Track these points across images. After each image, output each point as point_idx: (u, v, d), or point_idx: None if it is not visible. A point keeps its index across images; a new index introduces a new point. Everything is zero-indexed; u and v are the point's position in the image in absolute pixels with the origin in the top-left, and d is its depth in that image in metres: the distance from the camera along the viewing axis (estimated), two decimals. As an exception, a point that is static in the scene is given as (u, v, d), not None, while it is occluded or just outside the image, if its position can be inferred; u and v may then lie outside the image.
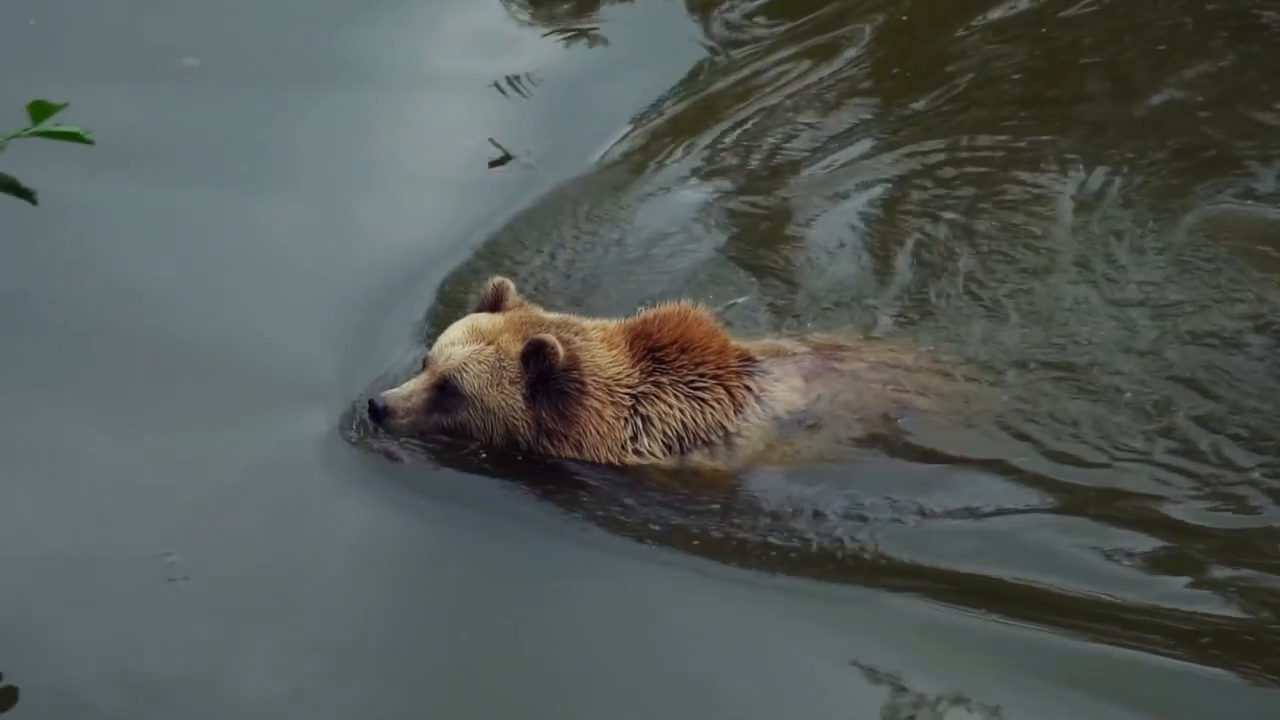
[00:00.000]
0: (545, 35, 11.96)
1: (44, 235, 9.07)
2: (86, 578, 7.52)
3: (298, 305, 9.21)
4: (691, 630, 7.54)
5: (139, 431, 8.35)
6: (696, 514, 8.10)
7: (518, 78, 11.37)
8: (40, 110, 5.92)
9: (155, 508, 7.93)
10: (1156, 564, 7.90)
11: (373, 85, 11.10)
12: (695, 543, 7.94)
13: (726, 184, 10.60)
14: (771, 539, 7.95)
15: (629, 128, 11.10)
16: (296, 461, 8.27)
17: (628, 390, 8.32)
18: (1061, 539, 8.00)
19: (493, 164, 10.63)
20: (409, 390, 8.26)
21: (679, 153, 10.89)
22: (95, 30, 11.24)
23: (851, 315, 9.32)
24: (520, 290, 8.79)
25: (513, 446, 8.28)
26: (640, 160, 10.79)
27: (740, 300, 9.44)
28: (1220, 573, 7.87)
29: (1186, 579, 7.82)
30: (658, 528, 8.01)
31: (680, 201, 10.38)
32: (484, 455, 8.33)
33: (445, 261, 9.66)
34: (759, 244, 10.00)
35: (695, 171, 10.73)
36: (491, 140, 10.72)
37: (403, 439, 8.28)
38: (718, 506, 8.15)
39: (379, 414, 8.21)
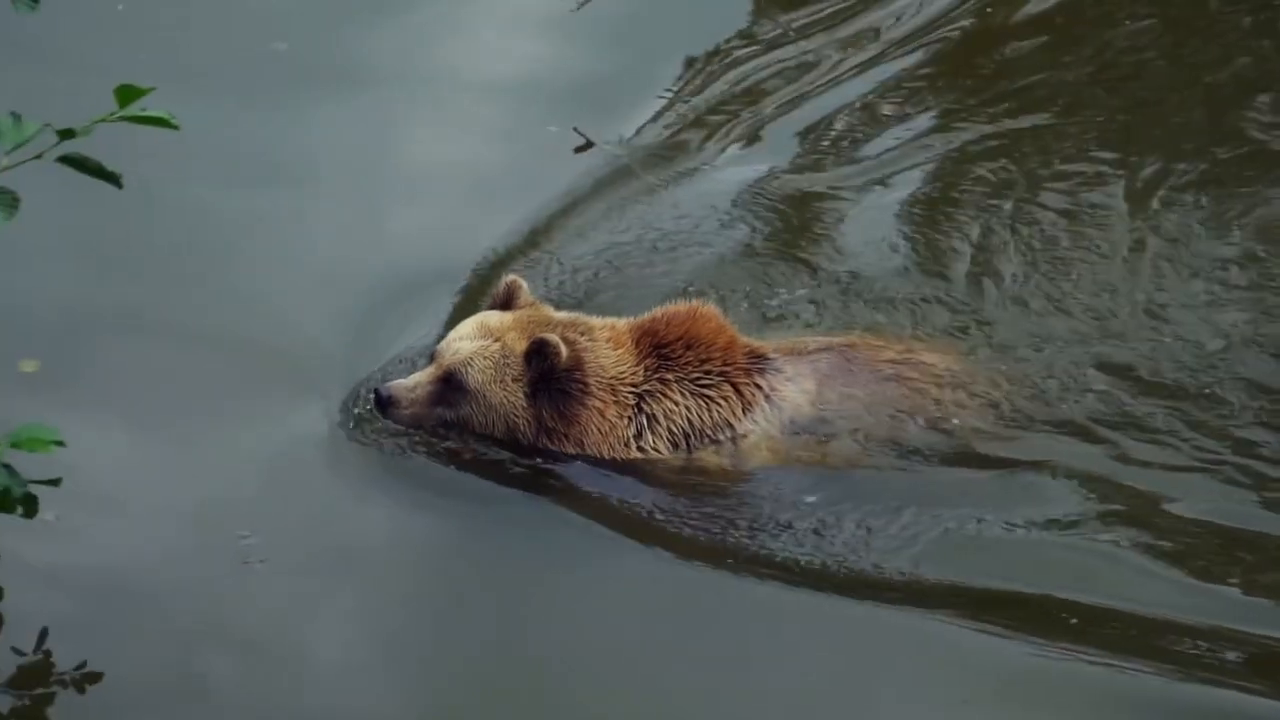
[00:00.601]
0: (575, 21, 12.10)
1: (60, 230, 9.30)
2: (166, 558, 7.89)
3: (330, 298, 9.47)
4: (700, 626, 7.77)
5: (186, 418, 8.69)
6: (706, 515, 8.27)
7: (549, 68, 11.58)
8: (127, 94, 6.13)
9: (222, 491, 8.28)
10: (1201, 574, 7.92)
11: (401, 84, 11.28)
12: (702, 541, 8.13)
13: (770, 167, 10.69)
14: (782, 544, 8.09)
15: (671, 110, 11.27)
16: (339, 448, 8.62)
17: (632, 389, 8.49)
18: (1102, 552, 8.03)
19: (577, 150, 10.82)
20: (414, 382, 8.52)
21: (723, 137, 11.01)
22: (185, 16, 11.48)
23: (893, 311, 9.36)
24: (547, 281, 9.14)
25: (514, 443, 8.50)
26: (684, 144, 10.95)
27: (800, 292, 9.54)
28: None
29: (1236, 589, 7.81)
30: (665, 525, 8.23)
31: (722, 187, 10.50)
32: (506, 452, 8.59)
33: (490, 250, 9.93)
34: (803, 232, 10.08)
35: (739, 155, 10.86)
36: (575, 129, 10.89)
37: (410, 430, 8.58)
38: (726, 507, 8.31)
39: (383, 404, 8.48)
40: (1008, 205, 10.17)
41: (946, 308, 9.37)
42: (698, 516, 8.27)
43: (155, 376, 8.88)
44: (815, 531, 8.16)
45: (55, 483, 6.34)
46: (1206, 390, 8.74)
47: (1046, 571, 7.89)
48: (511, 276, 8.80)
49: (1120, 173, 10.39)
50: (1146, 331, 9.14)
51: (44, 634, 7.26)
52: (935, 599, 7.77)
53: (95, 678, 7.12)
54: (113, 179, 6.23)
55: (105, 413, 8.49)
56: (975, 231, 9.96)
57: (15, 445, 6.09)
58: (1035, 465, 8.43)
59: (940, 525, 8.16)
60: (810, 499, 8.33)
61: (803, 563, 8.01)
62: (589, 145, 10.85)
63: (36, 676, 7.13)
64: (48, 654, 7.21)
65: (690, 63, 11.68)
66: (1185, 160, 10.42)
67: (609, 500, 8.37)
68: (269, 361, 9.02)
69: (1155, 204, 10.08)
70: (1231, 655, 7.50)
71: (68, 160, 6.21)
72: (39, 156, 6.18)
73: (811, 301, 9.47)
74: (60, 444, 6.09)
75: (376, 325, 9.28)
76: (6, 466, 6.13)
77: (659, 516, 8.28)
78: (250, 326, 9.24)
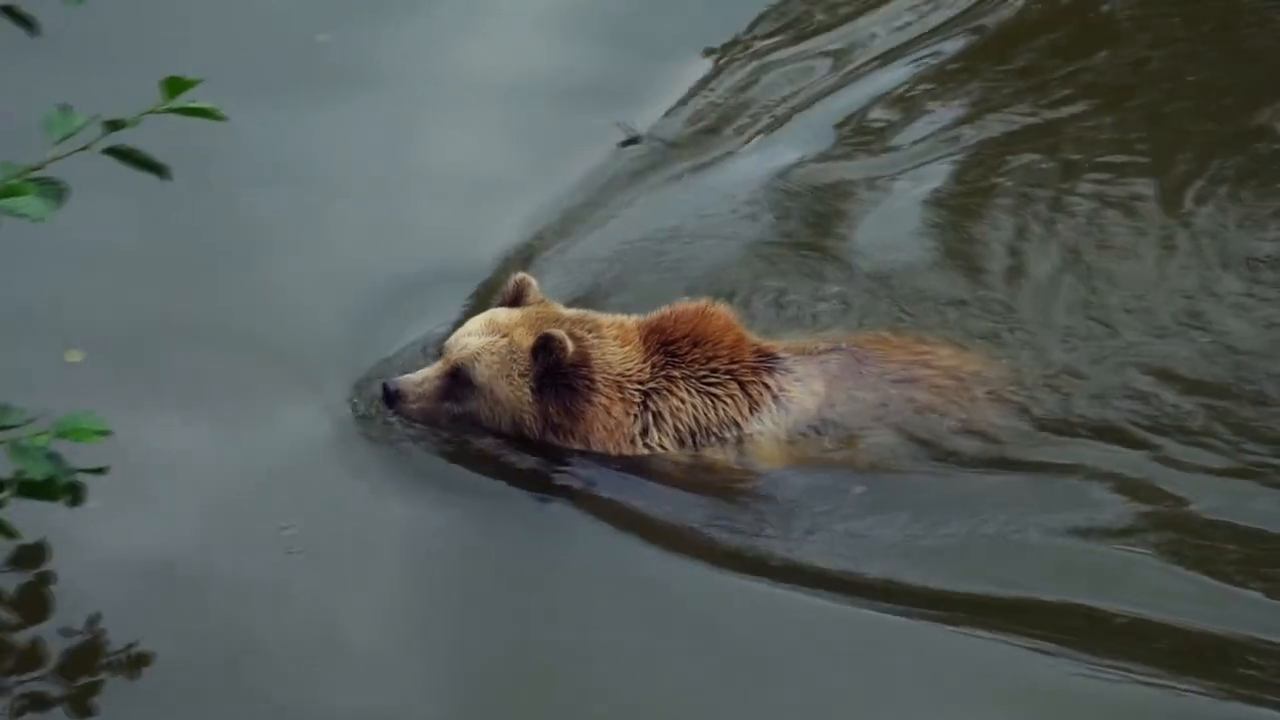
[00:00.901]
0: (599, 15, 12.09)
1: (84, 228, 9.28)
2: (210, 549, 8.02)
3: (353, 295, 9.58)
4: (712, 626, 7.84)
5: (219, 411, 8.82)
6: (714, 514, 8.34)
7: (573, 63, 11.63)
8: (174, 86, 6.21)
9: (260, 482, 8.41)
10: (1239, 582, 7.82)
11: (419, 82, 11.32)
12: (713, 541, 8.19)
13: (802, 158, 10.70)
14: (791, 545, 8.14)
15: (701, 102, 11.30)
16: (366, 444, 8.76)
17: (638, 386, 8.56)
18: (1134, 560, 7.94)
19: (622, 144, 10.91)
20: (422, 376, 8.63)
21: (756, 128, 11.06)
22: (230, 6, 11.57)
23: (923, 309, 9.33)
24: (580, 272, 9.34)
25: (521, 438, 8.59)
26: (716, 137, 11.02)
27: (834, 289, 9.54)
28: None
29: (1261, 592, 7.74)
30: (678, 524, 8.29)
31: (754, 180, 10.53)
32: (530, 449, 8.67)
33: (520, 244, 10.07)
34: (834, 227, 10.11)
35: (771, 147, 10.87)
36: (620, 123, 10.99)
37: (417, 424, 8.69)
38: (734, 507, 8.36)
39: (391, 398, 8.61)
40: (1041, 201, 10.16)
41: (977, 306, 9.36)
42: (706, 516, 8.35)
43: (188, 369, 8.99)
44: (821, 533, 8.22)
45: (101, 471, 6.42)
46: (1247, 388, 8.72)
47: (1072, 580, 7.87)
48: (521, 274, 8.91)
49: (1156, 167, 10.36)
50: (1182, 331, 9.12)
51: (94, 619, 7.39)
52: (953, 606, 7.80)
53: (146, 659, 7.25)
54: (159, 170, 6.31)
55: (141, 403, 8.57)
56: (1007, 227, 9.97)
57: (62, 435, 6.16)
58: (1059, 469, 8.43)
59: (956, 529, 8.17)
60: (818, 500, 8.38)
61: (811, 565, 8.06)
62: (634, 140, 10.96)
63: (87, 659, 7.27)
64: (99, 635, 7.34)
65: (720, 53, 11.76)
66: (1221, 156, 10.37)
67: (622, 498, 8.46)
68: (300, 356, 9.11)
69: (1191, 201, 10.03)
70: (1271, 669, 7.45)
71: (115, 152, 6.27)
72: (86, 148, 6.24)
73: (842, 301, 9.49)
74: (107, 434, 6.16)
75: (399, 322, 9.37)
76: (52, 456, 6.19)
77: (668, 515, 8.36)
78: (278, 323, 9.34)
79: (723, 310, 8.74)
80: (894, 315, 9.34)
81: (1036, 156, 10.55)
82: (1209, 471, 8.37)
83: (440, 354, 8.73)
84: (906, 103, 11.20)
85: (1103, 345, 9.05)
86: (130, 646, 7.30)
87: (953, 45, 11.68)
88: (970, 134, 10.85)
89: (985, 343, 9.07)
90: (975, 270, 9.68)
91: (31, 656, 7.28)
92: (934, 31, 11.78)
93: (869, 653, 7.66)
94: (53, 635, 7.35)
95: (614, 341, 8.63)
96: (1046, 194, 10.21)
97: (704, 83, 11.47)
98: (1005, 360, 8.93)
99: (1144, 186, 10.19)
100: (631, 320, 8.77)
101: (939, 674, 7.52)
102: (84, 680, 7.16)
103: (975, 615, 7.73)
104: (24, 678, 7.18)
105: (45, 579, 7.57)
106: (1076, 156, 10.52)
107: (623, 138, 10.97)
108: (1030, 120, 10.90)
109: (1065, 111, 10.93)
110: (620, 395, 8.57)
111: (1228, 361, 8.90)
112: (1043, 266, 9.65)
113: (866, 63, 11.60)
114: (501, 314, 8.71)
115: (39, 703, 7.09)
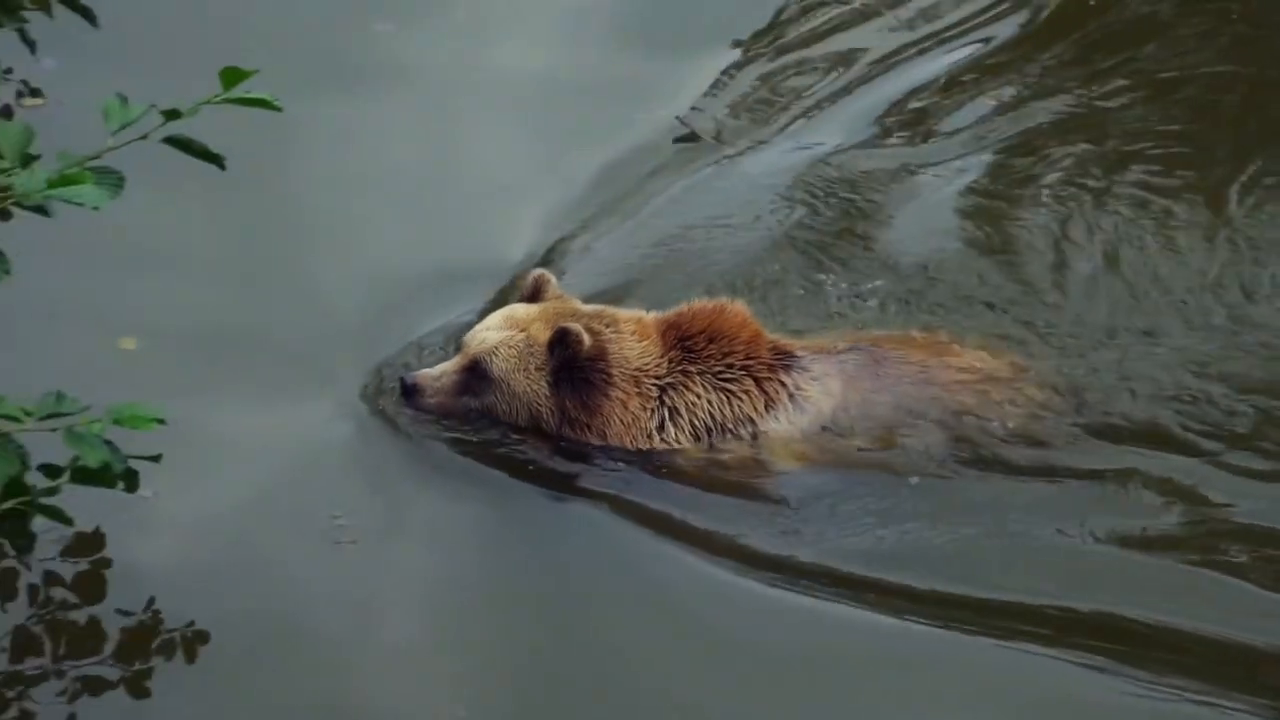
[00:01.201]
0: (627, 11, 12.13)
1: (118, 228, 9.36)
2: (266, 535, 8.14)
3: (387, 292, 9.65)
4: (728, 627, 7.86)
5: (250, 406, 8.88)
6: (730, 512, 8.36)
7: (610, 57, 11.64)
8: (231, 76, 6.26)
9: (307, 473, 8.52)
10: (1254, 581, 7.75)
11: (448, 80, 11.37)
12: (725, 536, 8.22)
13: (839, 148, 10.77)
14: (807, 546, 8.13)
15: (738, 87, 11.38)
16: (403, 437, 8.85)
17: (655, 381, 8.61)
18: (1159, 568, 7.87)
19: (677, 140, 10.98)
20: (440, 371, 8.71)
21: (799, 118, 11.12)
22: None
23: (955, 308, 9.33)
24: (599, 267, 9.51)
25: (538, 433, 8.65)
26: (754, 130, 11.06)
27: (876, 284, 9.57)
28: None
29: None
30: (693, 522, 8.31)
31: (792, 171, 10.56)
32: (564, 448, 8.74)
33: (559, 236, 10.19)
34: (871, 219, 10.11)
35: (812, 137, 10.93)
36: (678, 118, 11.06)
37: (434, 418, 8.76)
38: (750, 506, 8.39)
39: (408, 392, 8.68)
40: (1086, 194, 10.13)
41: (1016, 302, 9.36)
42: (723, 514, 8.37)
43: (219, 361, 9.05)
44: (835, 535, 8.23)
45: (156, 459, 6.47)
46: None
47: (1087, 585, 7.81)
48: (539, 270, 9.00)
49: (1201, 161, 10.32)
50: (1226, 330, 9.09)
51: (150, 601, 7.49)
52: (977, 614, 7.76)
53: (203, 637, 7.35)
54: (216, 160, 6.37)
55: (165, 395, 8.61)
56: (1049, 221, 9.95)
57: (118, 422, 6.21)
58: (1086, 473, 8.37)
59: (978, 534, 8.14)
60: (835, 501, 8.40)
61: (826, 566, 8.06)
62: (692, 137, 11.01)
63: (144, 639, 7.37)
64: (156, 614, 7.44)
65: (758, 46, 11.79)
66: (1267, 153, 10.32)
67: (639, 494, 8.49)
68: (334, 350, 9.19)
69: (1235, 197, 9.96)
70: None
71: (173, 141, 6.32)
72: (144, 137, 6.29)
73: (878, 296, 9.50)
74: (162, 422, 6.21)
75: (423, 318, 9.44)
76: (108, 443, 6.23)
77: (684, 512, 8.39)
78: (311, 318, 9.43)
79: (740, 307, 8.79)
80: (929, 311, 9.36)
81: (1079, 149, 10.54)
82: (1253, 475, 8.27)
83: (458, 349, 8.80)
84: (948, 93, 11.25)
85: (1143, 345, 9.02)
86: (189, 625, 7.39)
87: (996, 34, 11.72)
88: (1011, 125, 10.87)
89: (1023, 341, 9.06)
90: (1014, 266, 9.68)
91: (87, 640, 7.36)
92: (977, 21, 11.83)
93: (883, 657, 7.67)
94: (108, 617, 7.42)
95: (631, 336, 8.69)
96: (1089, 188, 10.20)
97: (742, 76, 11.50)
98: (1039, 360, 8.92)
99: (1189, 182, 10.18)
100: (650, 316, 8.83)
101: (960, 684, 7.51)
102: (136, 667, 7.25)
103: (1001, 623, 7.71)
104: (79, 662, 7.27)
105: (101, 564, 7.66)
106: (1122, 149, 10.51)
107: (680, 132, 11.04)
108: (1074, 111, 10.92)
109: (1112, 103, 10.94)
110: (637, 390, 8.63)
111: (1271, 360, 8.86)
112: (1084, 264, 9.64)
113: (905, 49, 11.67)
114: (519, 309, 8.79)
115: (94, 686, 7.17)
